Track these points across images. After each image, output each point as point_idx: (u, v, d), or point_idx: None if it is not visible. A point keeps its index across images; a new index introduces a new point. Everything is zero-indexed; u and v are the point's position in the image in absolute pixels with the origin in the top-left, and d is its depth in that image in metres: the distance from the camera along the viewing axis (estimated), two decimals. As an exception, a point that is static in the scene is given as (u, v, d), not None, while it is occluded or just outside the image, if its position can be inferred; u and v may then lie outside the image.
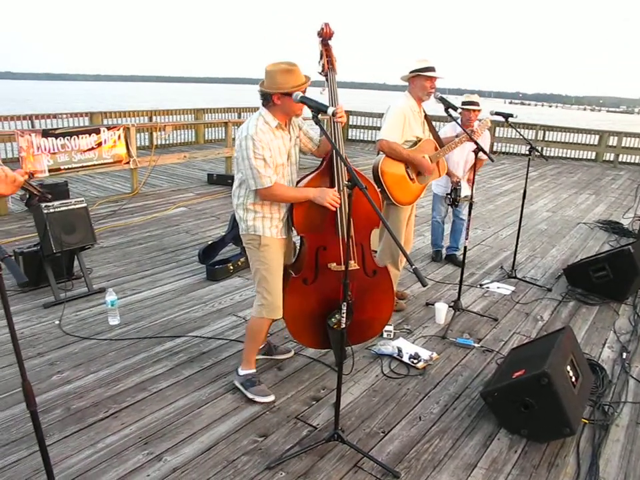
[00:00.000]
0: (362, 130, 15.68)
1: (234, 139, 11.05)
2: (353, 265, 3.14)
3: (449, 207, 5.23)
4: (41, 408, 2.99)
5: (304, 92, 2.73)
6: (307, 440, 2.82)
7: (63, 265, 4.56)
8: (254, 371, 3.22)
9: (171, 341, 3.81)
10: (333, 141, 2.96)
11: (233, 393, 3.20)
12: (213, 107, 15.78)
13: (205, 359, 3.57)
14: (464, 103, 5.03)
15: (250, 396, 3.12)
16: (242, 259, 5.05)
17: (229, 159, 9.90)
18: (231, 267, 4.97)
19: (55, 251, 4.30)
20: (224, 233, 5.36)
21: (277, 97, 2.79)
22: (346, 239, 2.50)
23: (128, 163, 8.06)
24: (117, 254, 5.55)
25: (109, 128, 7.91)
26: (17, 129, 7.67)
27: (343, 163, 2.95)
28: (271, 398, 3.13)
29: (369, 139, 15.48)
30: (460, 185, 4.85)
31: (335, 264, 3.11)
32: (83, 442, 2.76)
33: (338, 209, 2.99)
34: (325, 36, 3.08)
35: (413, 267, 2.06)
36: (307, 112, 2.80)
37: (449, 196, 4.95)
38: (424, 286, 2.13)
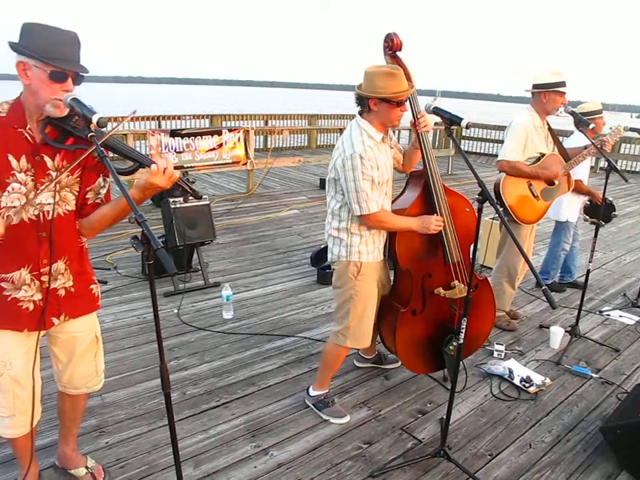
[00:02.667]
0: (474, 142, 15.27)
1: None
2: (461, 289, 2.99)
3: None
4: (159, 389, 3.19)
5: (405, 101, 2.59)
6: (412, 453, 2.79)
7: (184, 257, 4.83)
8: (326, 391, 3.11)
9: (281, 339, 3.92)
10: (426, 156, 2.85)
11: (339, 397, 3.23)
12: (326, 114, 16.07)
13: (313, 360, 3.63)
14: (586, 114, 4.57)
15: (325, 417, 3.02)
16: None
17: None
18: (341, 272, 5.01)
19: (178, 244, 4.57)
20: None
21: (374, 102, 2.57)
22: (473, 253, 2.43)
23: (245, 164, 8.40)
24: (232, 251, 5.80)
25: (230, 130, 8.29)
26: (149, 129, 8.25)
27: (436, 183, 2.85)
28: (347, 419, 3.02)
29: (482, 151, 15.04)
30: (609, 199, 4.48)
31: (442, 289, 3.01)
32: (196, 426, 2.91)
33: (442, 232, 2.88)
34: (395, 48, 2.80)
35: (543, 287, 1.97)
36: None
37: (586, 207, 4.63)
38: (553, 308, 2.05)
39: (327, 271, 4.95)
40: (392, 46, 2.79)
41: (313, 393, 3.11)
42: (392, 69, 2.59)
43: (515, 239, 2.15)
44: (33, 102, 1.83)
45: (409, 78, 2.76)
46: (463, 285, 3.00)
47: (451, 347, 3.00)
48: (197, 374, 3.41)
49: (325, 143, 14.92)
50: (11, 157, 1.85)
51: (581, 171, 4.52)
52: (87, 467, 2.49)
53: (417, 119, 2.74)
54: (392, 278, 3.20)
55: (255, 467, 2.63)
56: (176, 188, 1.95)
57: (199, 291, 4.68)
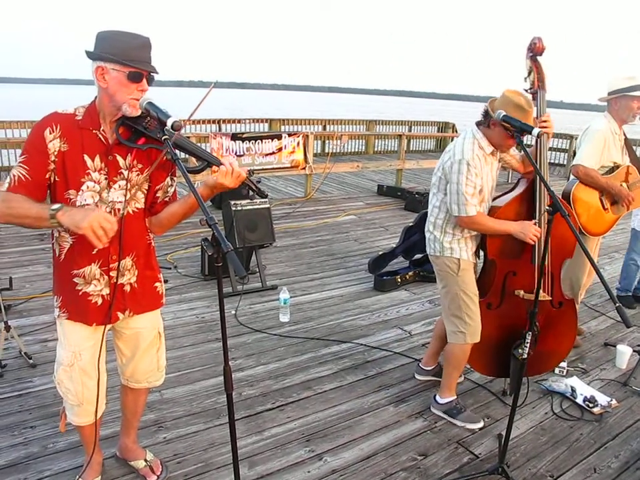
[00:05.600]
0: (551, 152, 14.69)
1: (407, 152, 11.16)
2: (543, 296, 2.98)
3: None
4: (216, 389, 3.25)
5: None
6: (468, 468, 2.72)
7: (243, 259, 4.90)
8: (455, 397, 3.13)
9: (337, 345, 3.91)
10: (538, 162, 2.84)
11: (395, 406, 3.20)
12: (384, 119, 16.01)
13: (369, 367, 3.61)
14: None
15: (459, 424, 3.04)
16: (410, 273, 5.06)
17: (399, 171, 9.97)
18: (399, 280, 4.98)
19: (238, 246, 4.64)
20: (394, 245, 5.40)
21: (495, 123, 2.67)
22: (540, 266, 2.37)
23: (304, 168, 8.46)
24: (289, 254, 5.85)
25: (289, 134, 8.37)
26: (211, 132, 8.43)
27: (545, 189, 2.79)
28: (481, 424, 3.04)
29: (559, 161, 14.38)
30: None
31: (523, 291, 2.99)
32: (251, 427, 2.93)
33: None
34: (537, 51, 2.87)
35: (617, 304, 1.89)
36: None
37: None
38: (628, 327, 1.96)
39: (385, 278, 4.93)
40: (534, 49, 2.87)
41: (442, 400, 3.12)
42: (526, 105, 2.61)
43: (587, 252, 2.07)
44: (109, 104, 1.91)
45: (542, 82, 2.85)
46: (544, 292, 2.98)
47: (520, 350, 2.92)
48: (252, 375, 3.45)
49: (383, 149, 14.85)
50: (86, 157, 1.93)
51: None
52: (145, 460, 2.56)
53: (540, 120, 2.78)
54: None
55: (309, 472, 2.63)
56: (243, 187, 1.98)
57: (256, 293, 4.73)
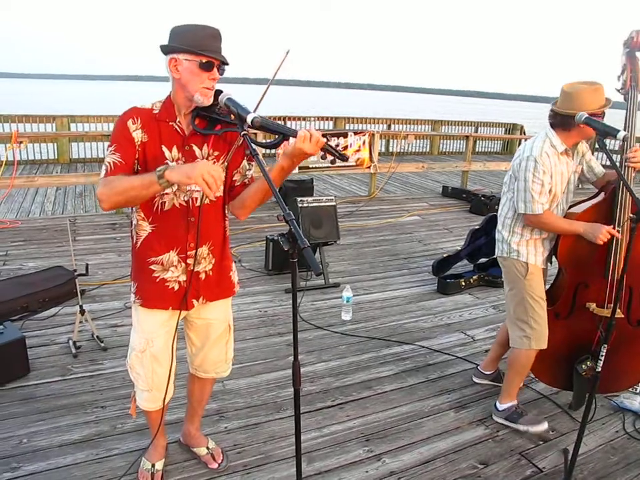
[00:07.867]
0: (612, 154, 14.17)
1: (472, 153, 10.93)
2: (616, 312, 2.81)
3: None
4: (277, 382, 3.30)
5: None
6: (531, 481, 2.64)
7: (307, 256, 4.92)
8: (515, 402, 3.04)
9: (399, 346, 3.88)
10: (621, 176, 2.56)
11: (456, 412, 3.14)
12: (450, 119, 15.76)
13: (430, 370, 3.57)
14: None
15: (522, 429, 2.95)
16: (474, 277, 4.95)
17: (465, 173, 9.77)
18: (463, 283, 4.89)
19: (302, 243, 4.67)
20: (460, 248, 5.30)
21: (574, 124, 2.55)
22: (617, 279, 2.26)
23: (369, 167, 8.42)
24: (352, 253, 5.85)
25: (355, 133, 8.35)
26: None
27: (631, 197, 2.59)
28: (545, 425, 2.97)
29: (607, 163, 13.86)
30: None
31: (594, 305, 2.84)
32: (310, 423, 2.95)
33: (613, 246, 2.70)
34: (634, 46, 2.67)
35: None
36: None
37: None
38: None
39: (448, 281, 4.85)
40: (630, 43, 2.69)
41: (502, 406, 3.05)
42: (593, 85, 2.59)
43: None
44: (182, 95, 1.97)
45: (636, 81, 2.68)
46: (619, 310, 2.78)
47: (584, 366, 2.81)
48: (313, 372, 3.47)
49: (448, 150, 14.61)
50: (164, 148, 2.00)
51: None
52: (207, 448, 2.62)
53: (629, 157, 2.57)
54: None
55: (367, 472, 2.62)
56: (323, 155, 1.93)
57: (319, 290, 4.76)
